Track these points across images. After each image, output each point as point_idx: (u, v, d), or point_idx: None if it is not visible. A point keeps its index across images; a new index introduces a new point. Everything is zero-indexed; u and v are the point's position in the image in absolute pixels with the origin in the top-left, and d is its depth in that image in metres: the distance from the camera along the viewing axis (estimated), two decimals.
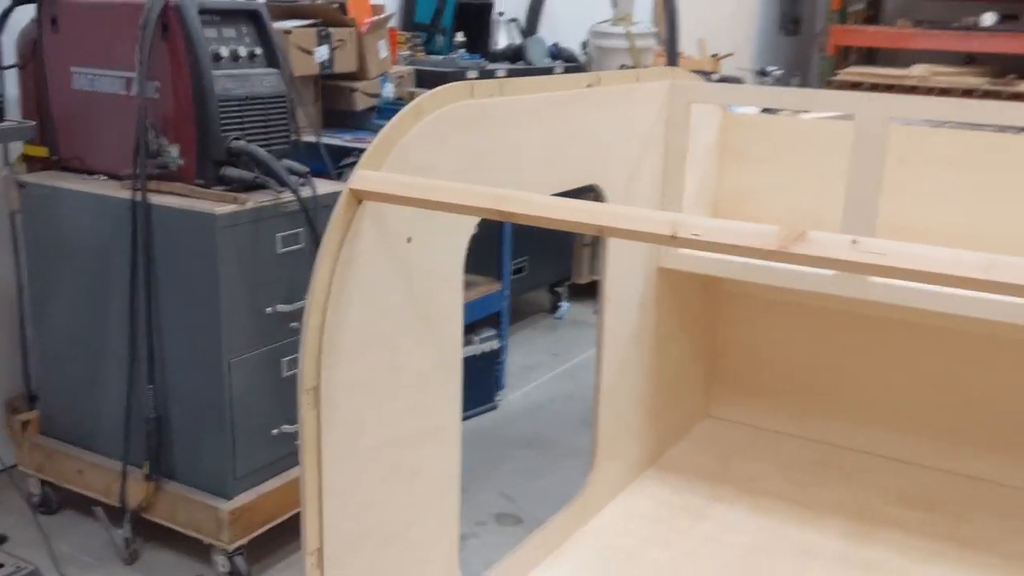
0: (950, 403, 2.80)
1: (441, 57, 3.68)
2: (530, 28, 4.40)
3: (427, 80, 3.48)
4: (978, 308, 2.28)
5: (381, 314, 1.68)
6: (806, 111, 2.98)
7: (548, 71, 4.00)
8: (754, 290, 2.96)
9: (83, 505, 2.51)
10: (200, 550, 2.36)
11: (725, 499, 2.66)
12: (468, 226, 1.86)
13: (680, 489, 2.71)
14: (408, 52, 3.69)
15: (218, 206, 2.14)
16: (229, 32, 2.27)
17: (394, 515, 1.80)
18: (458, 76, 3.53)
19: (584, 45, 4.62)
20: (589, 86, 2.20)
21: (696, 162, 2.70)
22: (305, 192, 2.23)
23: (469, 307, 3.26)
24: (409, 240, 1.72)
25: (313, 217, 2.23)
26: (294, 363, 2.39)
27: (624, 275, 2.50)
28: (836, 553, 2.41)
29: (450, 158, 1.76)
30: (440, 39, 3.80)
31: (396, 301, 1.71)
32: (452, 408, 1.91)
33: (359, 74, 3.17)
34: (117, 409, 2.34)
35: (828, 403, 2.98)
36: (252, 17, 2.32)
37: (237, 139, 2.22)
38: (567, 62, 4.19)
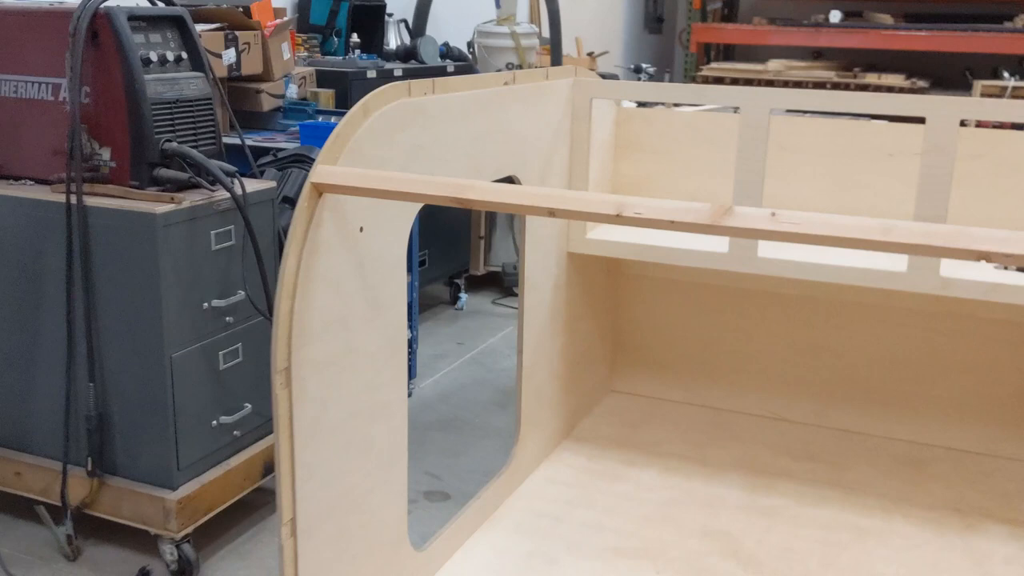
0: (824, 366, 3.11)
1: (340, 58, 3.79)
2: (418, 29, 4.54)
3: (328, 80, 3.59)
4: (846, 276, 2.57)
5: (339, 298, 1.81)
6: (698, 104, 3.23)
7: (442, 70, 4.16)
8: (652, 271, 3.22)
9: (22, 507, 2.53)
10: (143, 544, 2.43)
11: (636, 463, 2.89)
12: (411, 215, 2.01)
13: (595, 456, 2.93)
14: (306, 54, 3.78)
15: (157, 206, 2.22)
16: (156, 37, 2.34)
17: (355, 485, 1.94)
18: (359, 76, 3.66)
19: (470, 45, 4.79)
20: (506, 84, 2.38)
21: (596, 152, 2.91)
22: (238, 190, 2.32)
23: None
24: (361, 229, 1.85)
25: (246, 214, 2.33)
26: (230, 356, 2.48)
27: (540, 261, 2.69)
28: (739, 503, 2.67)
29: (395, 152, 1.91)
30: (336, 40, 3.90)
31: (351, 286, 1.85)
32: (399, 385, 2.05)
33: (264, 76, 3.26)
34: (56, 409, 2.38)
35: (719, 372, 3.25)
36: (177, 22, 2.39)
37: (169, 141, 2.29)
38: (457, 60, 4.35)
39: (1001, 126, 2.98)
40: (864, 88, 6.54)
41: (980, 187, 2.79)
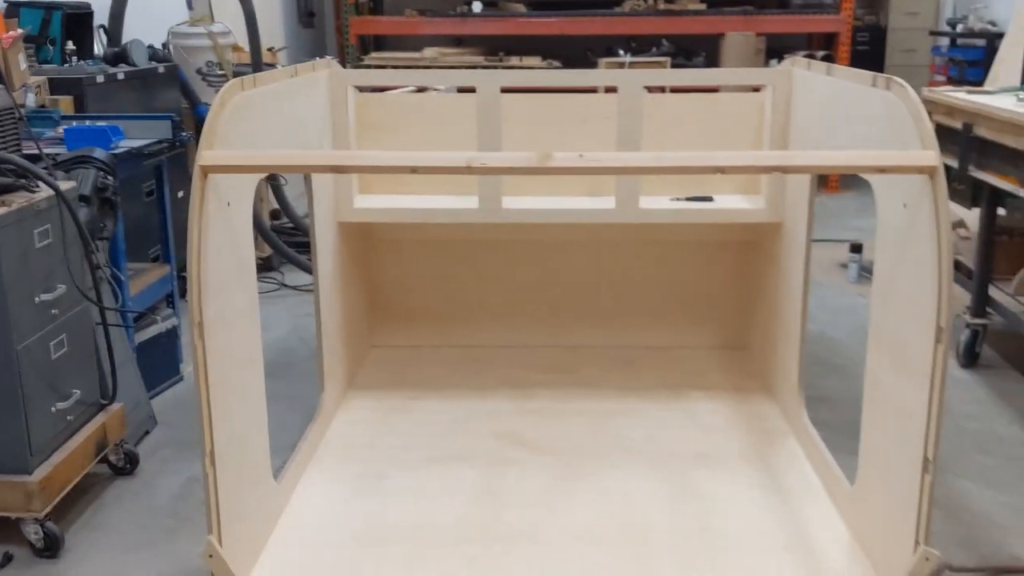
0: (553, 297, 3.79)
1: (67, 65, 3.85)
2: (114, 33, 4.61)
3: (60, 87, 3.66)
4: (571, 216, 3.25)
5: (222, 263, 2.14)
6: (437, 88, 3.75)
7: (153, 71, 4.32)
8: (404, 234, 3.70)
9: None
10: (3, 532, 2.53)
11: (418, 397, 3.38)
12: (252, 193, 2.35)
13: (381, 397, 3.38)
14: (26, 65, 3.79)
15: None
16: None
17: (243, 425, 2.27)
18: (91, 81, 3.77)
19: (164, 46, 4.93)
20: (292, 77, 2.76)
21: (352, 133, 3.34)
22: (64, 187, 2.50)
23: (148, 291, 3.60)
24: (228, 204, 2.18)
25: (73, 210, 2.51)
26: (58, 346, 2.63)
27: (323, 232, 3.08)
28: (511, 410, 3.26)
29: (244, 135, 2.25)
30: (51, 49, 3.94)
31: (227, 252, 2.17)
32: (258, 339, 2.39)
33: (7, 87, 3.30)
34: None
35: (469, 316, 3.82)
36: None
37: None
38: (162, 62, 4.51)
39: (661, 90, 3.80)
40: (511, 68, 7.39)
41: (657, 140, 3.56)
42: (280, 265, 5.17)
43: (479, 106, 3.16)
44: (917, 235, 2.02)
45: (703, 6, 7.41)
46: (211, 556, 2.08)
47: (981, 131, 3.56)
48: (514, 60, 7.57)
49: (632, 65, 7.14)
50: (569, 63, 7.62)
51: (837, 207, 6.80)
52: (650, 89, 3.46)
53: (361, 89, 3.46)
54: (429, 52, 7.56)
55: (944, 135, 3.92)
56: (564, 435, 3.07)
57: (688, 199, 3.44)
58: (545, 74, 3.24)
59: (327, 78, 3.14)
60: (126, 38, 4.59)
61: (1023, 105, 3.34)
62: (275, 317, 4.45)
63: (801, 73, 3.05)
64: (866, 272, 5.11)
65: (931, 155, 1.94)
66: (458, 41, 8.25)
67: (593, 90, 3.20)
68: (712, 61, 7.38)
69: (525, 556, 2.40)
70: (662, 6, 7.43)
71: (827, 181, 7.49)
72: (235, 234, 2.22)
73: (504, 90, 3.18)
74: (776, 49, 7.63)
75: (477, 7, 7.62)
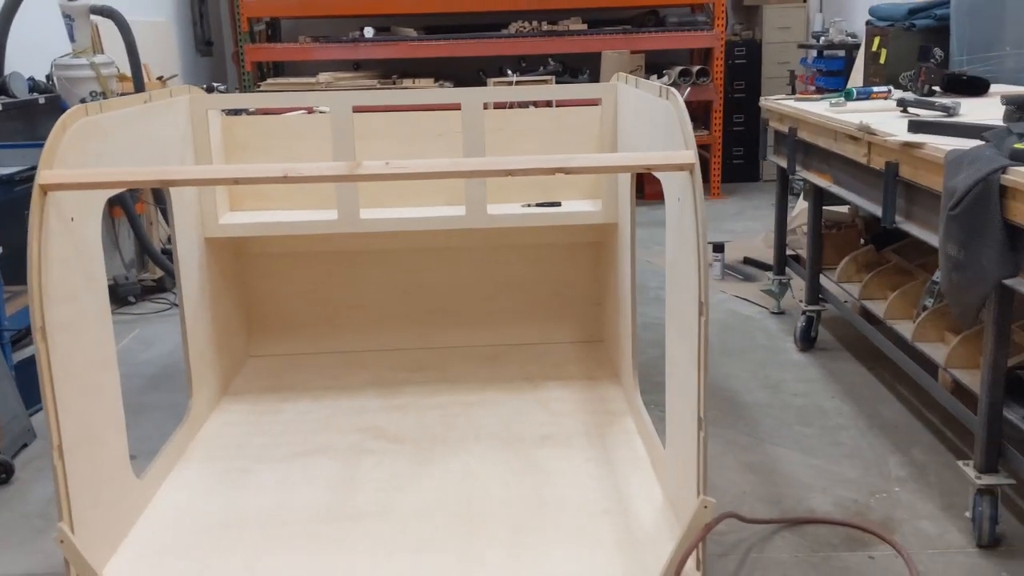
0: (418, 301, 4.03)
1: None
2: None
3: None
4: (423, 224, 3.49)
5: (68, 273, 2.33)
6: (296, 109, 3.97)
7: (34, 102, 4.46)
8: (273, 247, 3.91)
9: None
10: None
11: (289, 399, 3.59)
12: (100, 208, 2.54)
13: (255, 401, 3.58)
14: None
15: None
16: None
17: (97, 422, 2.45)
18: None
19: (48, 77, 5.07)
20: (145, 103, 2.96)
21: (215, 152, 3.54)
22: None
23: (26, 311, 3.74)
24: (72, 219, 2.38)
25: None
26: None
27: (187, 246, 3.28)
28: (377, 407, 3.48)
29: (88, 158, 2.45)
30: None
31: (73, 263, 2.37)
32: (111, 345, 2.58)
33: None
34: None
35: (341, 323, 4.04)
36: None
37: None
38: (45, 92, 4.66)
39: (511, 106, 4.08)
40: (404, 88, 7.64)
41: (505, 151, 3.84)
42: (172, 287, 5.32)
43: (333, 124, 3.39)
44: (686, 224, 2.31)
45: (585, 26, 7.76)
46: (62, 541, 2.26)
47: (803, 134, 3.91)
48: (407, 82, 7.82)
49: (518, 83, 7.45)
50: (461, 83, 7.88)
51: (717, 212, 7.17)
52: (539, 104, 3.75)
53: (248, 113, 3.67)
54: (324, 77, 7.77)
55: (779, 139, 4.28)
56: (423, 426, 3.30)
57: (538, 204, 3.72)
58: (387, 93, 3.48)
59: (187, 102, 3.34)
60: (8, 71, 4.73)
61: (833, 110, 3.68)
62: (164, 334, 4.61)
63: (622, 87, 3.35)
64: (729, 270, 5.45)
65: (689, 154, 2.23)
66: (356, 66, 8.48)
67: (457, 107, 3.45)
68: (596, 77, 7.72)
69: (368, 532, 2.62)
70: (546, 27, 7.75)
71: (711, 188, 7.88)
72: (81, 247, 2.41)
73: (356, 109, 3.42)
74: (660, 64, 8.03)
75: (369, 32, 7.86)
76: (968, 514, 2.62)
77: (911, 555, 2.54)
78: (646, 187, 7.92)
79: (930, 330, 3.17)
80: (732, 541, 2.65)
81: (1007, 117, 2.64)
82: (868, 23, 5.50)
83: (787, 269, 4.54)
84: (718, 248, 5.41)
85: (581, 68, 7.85)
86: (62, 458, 2.26)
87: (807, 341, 4.13)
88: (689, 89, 7.59)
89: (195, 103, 3.38)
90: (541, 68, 7.89)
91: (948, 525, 2.70)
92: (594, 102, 3.65)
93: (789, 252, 4.55)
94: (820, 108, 3.78)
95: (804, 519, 2.74)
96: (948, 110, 3.25)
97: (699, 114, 8.09)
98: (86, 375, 2.41)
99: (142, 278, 5.29)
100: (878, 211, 3.07)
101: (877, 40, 5.31)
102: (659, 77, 7.85)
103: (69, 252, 2.34)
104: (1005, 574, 2.47)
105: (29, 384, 3.54)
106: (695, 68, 7.63)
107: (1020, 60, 4.68)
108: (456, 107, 3.45)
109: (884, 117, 3.31)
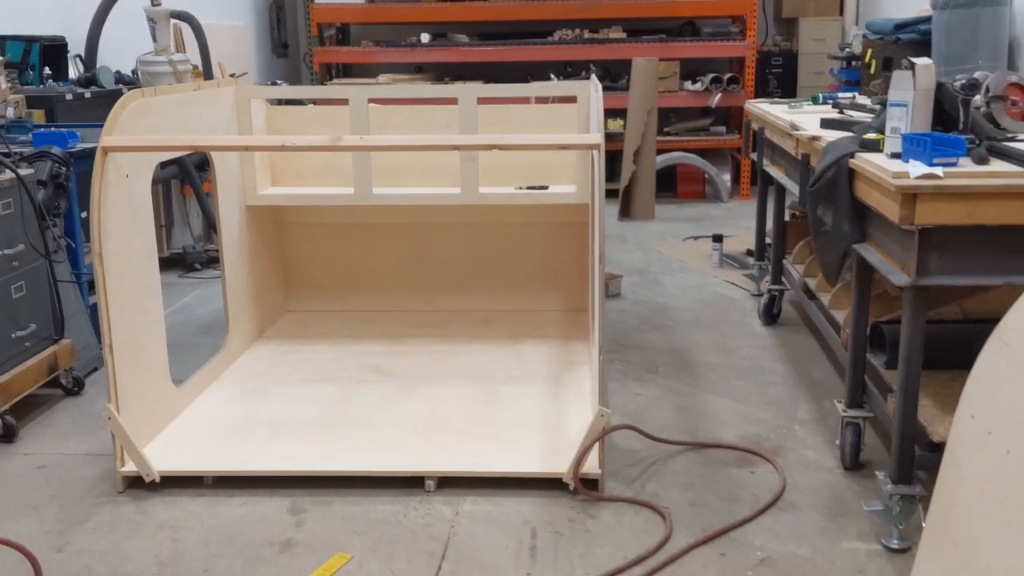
0: (426, 270, 4.69)
1: (43, 86, 4.81)
2: (90, 60, 5.58)
3: (35, 103, 4.62)
4: (424, 199, 4.15)
5: (119, 216, 3.05)
6: (317, 99, 4.68)
7: (119, 92, 5.27)
8: (307, 218, 4.62)
9: None
10: None
11: (311, 343, 4.28)
12: (151, 170, 3.26)
13: (282, 344, 4.29)
14: (8, 85, 4.75)
15: None
16: None
17: (140, 333, 3.17)
18: (61, 99, 4.73)
19: (134, 71, 5.89)
20: (195, 90, 3.68)
21: (257, 136, 4.26)
22: (23, 173, 3.42)
23: None
24: (127, 176, 3.10)
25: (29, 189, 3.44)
26: (17, 289, 3.55)
27: (228, 211, 4.00)
28: (381, 351, 4.15)
29: (141, 129, 3.17)
30: (31, 73, 4.90)
31: (125, 209, 3.09)
32: (156, 279, 3.30)
33: None
34: None
35: (362, 286, 4.72)
36: None
37: None
38: (128, 85, 5.47)
39: (553, 101, 4.71)
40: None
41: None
42: None
43: (351, 112, 4.07)
44: (597, 190, 2.91)
45: (624, 35, 8.34)
46: (109, 419, 2.97)
47: (767, 133, 4.45)
48: (458, 84, 8.50)
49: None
50: None
51: (743, 210, 7.67)
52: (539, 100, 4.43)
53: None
54: (383, 78, 8.52)
55: (754, 137, 4.83)
56: (413, 366, 3.96)
57: (528, 188, 4.35)
58: (394, 88, 4.15)
59: (233, 92, 4.06)
60: (100, 65, 5.56)
61: (789, 112, 4.21)
62: (220, 295, 5.35)
63: (590, 86, 3.96)
64: (728, 259, 5.98)
65: (596, 136, 2.83)
66: (418, 68, 9.22)
67: (453, 101, 4.11)
68: None
69: (351, 434, 3.28)
70: (587, 35, 8.36)
71: (740, 190, 8.38)
72: (132, 197, 3.13)
73: (371, 100, 4.10)
74: (697, 72, 8.57)
75: (425, 38, 8.59)
76: (837, 442, 3.16)
77: (787, 473, 3.09)
78: (679, 186, 8.48)
79: (843, 299, 3.69)
80: (642, 457, 3.24)
81: (876, 115, 3.17)
82: (864, 36, 5.97)
83: (765, 255, 5.07)
84: (717, 239, 5.94)
85: (621, 73, 8.43)
86: (112, 354, 2.98)
87: (769, 316, 4.66)
88: (720, 95, 8.11)
89: (240, 94, 4.11)
90: (583, 73, 8.49)
91: (827, 454, 3.23)
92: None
93: (768, 240, 5.08)
94: (779, 111, 4.32)
95: (700, 443, 3.31)
96: (875, 112, 3.76)
97: (730, 119, 8.59)
98: (134, 297, 3.13)
99: (208, 248, 6.08)
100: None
101: (869, 52, 5.78)
102: (692, 83, 8.39)
103: (123, 200, 3.06)
104: (856, 487, 3.00)
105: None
106: (726, 76, 8.14)
107: (991, 72, 5.12)
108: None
109: (819, 118, 3.84)
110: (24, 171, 3.58)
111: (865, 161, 2.66)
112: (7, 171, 3.49)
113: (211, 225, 5.97)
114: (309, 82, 9.07)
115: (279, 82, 6.55)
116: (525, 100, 4.54)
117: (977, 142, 2.60)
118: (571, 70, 8.68)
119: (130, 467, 3.02)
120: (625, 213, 7.45)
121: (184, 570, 2.61)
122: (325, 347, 4.24)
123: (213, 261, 6.06)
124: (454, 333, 4.39)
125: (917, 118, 2.69)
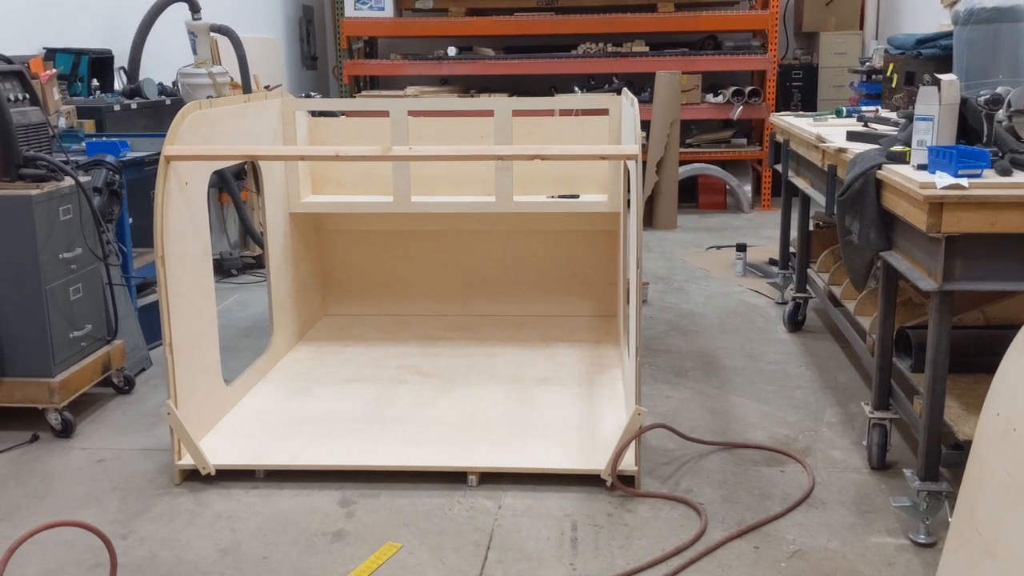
0: (460, 276, 4.83)
1: (91, 97, 4.99)
2: (133, 73, 5.77)
3: (85, 113, 4.80)
4: (461, 207, 4.29)
5: (179, 221, 3.21)
6: (358, 111, 4.84)
7: (162, 103, 5.45)
8: (346, 225, 4.77)
9: None
10: (29, 422, 3.59)
11: (350, 345, 4.43)
12: (206, 179, 3.42)
13: (323, 344, 4.44)
14: (60, 96, 4.93)
15: (31, 191, 3.44)
16: (6, 84, 3.55)
17: (194, 333, 3.32)
18: (109, 109, 4.90)
19: (174, 83, 6.08)
20: (245, 103, 3.85)
21: (301, 145, 4.42)
22: (82, 180, 3.59)
23: (150, 267, 4.65)
24: (187, 184, 3.26)
25: (89, 195, 3.61)
26: (75, 291, 3.71)
27: (274, 217, 4.16)
28: (417, 352, 4.30)
29: (199, 139, 3.33)
30: (80, 85, 5.08)
31: (184, 214, 3.24)
32: (210, 282, 3.45)
33: (44, 110, 4.43)
34: None
35: (398, 291, 4.87)
36: (19, 74, 3.61)
37: (27, 151, 3.52)
38: (170, 96, 5.65)
39: (577, 114, 4.85)
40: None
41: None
42: None
43: (392, 123, 4.23)
44: (635, 202, 3.05)
45: (647, 49, 8.49)
46: (169, 413, 3.12)
47: (793, 145, 4.58)
48: (484, 96, 8.66)
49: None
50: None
51: (764, 221, 7.80)
52: (563, 112, 4.58)
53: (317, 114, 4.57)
54: (411, 90, 8.68)
55: (779, 149, 4.95)
56: (449, 367, 4.10)
57: (560, 196, 4.49)
58: (427, 101, 4.30)
59: (279, 105, 4.23)
60: (143, 77, 5.75)
61: (814, 125, 4.34)
62: (257, 299, 5.52)
63: (622, 99, 4.10)
64: (751, 267, 6.10)
65: (634, 147, 2.97)
66: (444, 81, 9.39)
67: (487, 113, 4.26)
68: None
69: (393, 431, 3.42)
70: (611, 49, 8.51)
71: (761, 200, 8.50)
72: (191, 203, 3.29)
73: (412, 113, 4.26)
74: (719, 85, 8.70)
75: (452, 51, 8.76)
76: (864, 442, 3.28)
77: (815, 472, 3.21)
78: (700, 197, 8.60)
79: (868, 306, 3.81)
80: (676, 456, 3.36)
81: (902, 128, 3.29)
82: (886, 51, 6.09)
83: (789, 264, 5.19)
84: (740, 248, 6.06)
85: (643, 87, 8.57)
86: (172, 352, 3.13)
87: (794, 323, 4.78)
88: (741, 108, 8.24)
89: (286, 105, 4.27)
90: (606, 86, 8.64)
91: (854, 454, 3.35)
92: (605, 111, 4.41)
93: (792, 249, 5.20)
94: (805, 123, 4.45)
95: (731, 443, 3.44)
96: (900, 125, 3.89)
97: (751, 131, 8.72)
98: (190, 297, 3.28)
99: (244, 255, 6.24)
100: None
101: (891, 67, 5.90)
102: (714, 96, 8.52)
103: (183, 206, 3.22)
104: (883, 486, 3.12)
105: (149, 324, 4.48)
106: (747, 89, 8.27)
107: (1012, 86, 5.24)
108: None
109: (845, 131, 3.97)
110: (82, 179, 3.74)
111: (893, 172, 2.79)
112: (67, 179, 3.65)
113: (248, 232, 6.14)
114: (338, 94, 9.25)
115: (313, 94, 6.73)
116: (549, 112, 4.68)
117: (1000, 154, 2.72)
118: (594, 83, 8.83)
119: (187, 460, 3.17)
120: (648, 223, 7.58)
121: (244, 557, 2.75)
122: (363, 349, 4.38)
123: (249, 267, 6.23)
124: (487, 336, 4.53)
125: (942, 131, 2.82)
